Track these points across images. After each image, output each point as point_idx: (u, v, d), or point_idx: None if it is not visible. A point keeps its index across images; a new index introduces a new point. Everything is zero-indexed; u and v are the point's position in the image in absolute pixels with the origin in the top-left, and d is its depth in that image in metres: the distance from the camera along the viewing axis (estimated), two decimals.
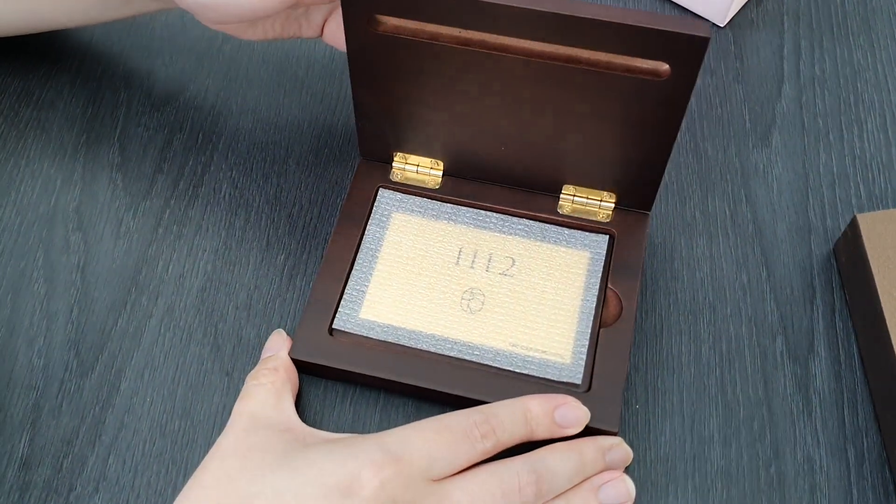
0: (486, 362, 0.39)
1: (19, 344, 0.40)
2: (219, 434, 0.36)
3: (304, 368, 0.39)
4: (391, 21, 0.37)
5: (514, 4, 0.33)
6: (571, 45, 0.35)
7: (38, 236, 0.43)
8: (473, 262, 0.41)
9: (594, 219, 0.42)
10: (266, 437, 0.35)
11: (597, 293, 0.40)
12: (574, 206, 0.42)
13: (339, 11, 0.42)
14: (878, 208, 0.45)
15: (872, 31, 0.52)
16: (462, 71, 0.37)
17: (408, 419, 0.38)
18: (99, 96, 0.48)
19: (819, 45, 0.51)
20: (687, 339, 0.41)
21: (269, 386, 0.37)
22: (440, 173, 0.43)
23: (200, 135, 0.47)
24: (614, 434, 0.37)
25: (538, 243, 0.42)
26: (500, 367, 0.38)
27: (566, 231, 0.42)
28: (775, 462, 0.38)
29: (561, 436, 0.36)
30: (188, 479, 0.34)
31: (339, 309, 0.40)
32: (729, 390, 0.39)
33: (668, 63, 0.34)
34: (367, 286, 0.41)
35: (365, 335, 0.39)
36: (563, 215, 0.42)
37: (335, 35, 0.43)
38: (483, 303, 0.40)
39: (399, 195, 0.43)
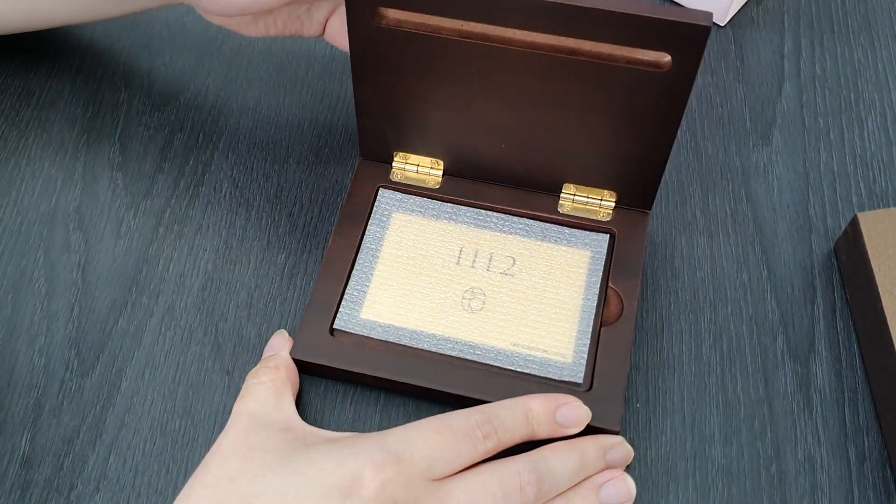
0: (487, 362, 0.39)
1: (20, 343, 0.40)
2: (219, 433, 0.36)
3: (306, 368, 0.39)
4: (394, 14, 0.37)
5: None
6: (573, 36, 0.35)
7: (38, 236, 0.43)
8: (474, 261, 0.41)
9: (595, 218, 0.42)
10: (266, 436, 0.35)
11: (597, 292, 0.40)
12: (574, 205, 0.42)
13: (341, 10, 0.42)
14: (879, 207, 0.45)
15: (873, 29, 0.52)
16: (464, 65, 0.37)
17: (408, 419, 0.38)
18: (99, 96, 0.48)
19: (819, 44, 0.51)
20: (688, 337, 0.41)
21: (270, 385, 0.37)
22: (440, 173, 0.43)
23: (201, 134, 0.47)
24: (615, 433, 0.37)
25: (539, 242, 0.42)
26: (502, 366, 0.38)
27: (567, 230, 0.42)
28: (776, 461, 0.38)
29: (562, 435, 0.36)
30: (189, 478, 0.34)
31: (340, 309, 0.40)
32: (730, 389, 0.39)
33: (669, 53, 0.34)
34: (367, 286, 0.41)
35: (366, 335, 0.39)
36: (563, 214, 0.42)
37: (337, 34, 0.43)
38: (484, 302, 0.40)
39: (399, 195, 0.43)
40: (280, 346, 0.39)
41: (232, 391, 0.39)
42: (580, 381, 0.38)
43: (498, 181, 0.43)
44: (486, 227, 0.42)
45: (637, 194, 0.42)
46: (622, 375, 0.38)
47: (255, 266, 0.43)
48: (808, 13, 0.52)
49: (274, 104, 0.48)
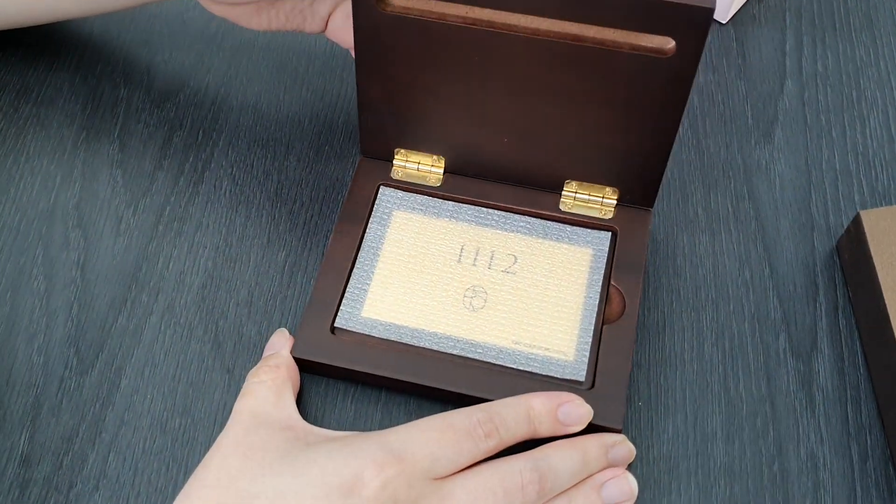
0: (488, 360, 0.38)
1: (19, 341, 0.40)
2: (219, 432, 0.36)
3: (307, 367, 0.39)
4: (399, 1, 0.36)
5: None
6: (577, 21, 0.35)
7: (37, 233, 0.43)
8: (475, 259, 0.41)
9: (596, 216, 0.42)
10: (267, 435, 0.34)
11: (599, 290, 0.40)
12: (576, 202, 0.42)
13: (344, 6, 0.42)
14: (881, 205, 0.45)
15: (875, 27, 0.52)
16: (468, 53, 0.37)
17: (409, 417, 0.38)
18: (99, 93, 0.48)
19: (821, 42, 0.51)
20: (690, 335, 0.41)
21: (270, 383, 0.37)
22: (441, 171, 0.43)
23: (201, 131, 0.47)
24: (617, 431, 0.37)
25: (540, 240, 0.42)
26: (503, 364, 0.38)
27: (568, 228, 0.42)
28: (778, 459, 0.38)
29: (564, 433, 0.36)
30: (189, 476, 0.34)
31: (341, 307, 0.40)
32: (732, 387, 0.39)
33: (672, 37, 0.34)
34: (368, 284, 0.40)
35: (367, 333, 0.39)
36: (565, 212, 0.42)
37: (338, 30, 0.43)
38: (485, 300, 0.40)
39: (400, 193, 0.43)
40: (281, 344, 0.39)
41: (232, 389, 0.39)
42: (582, 379, 0.38)
43: (499, 179, 0.43)
44: (487, 225, 0.42)
45: (639, 191, 0.41)
46: (624, 373, 0.38)
47: (255, 264, 0.43)
48: (810, 10, 0.52)
49: (274, 101, 0.48)
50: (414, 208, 0.43)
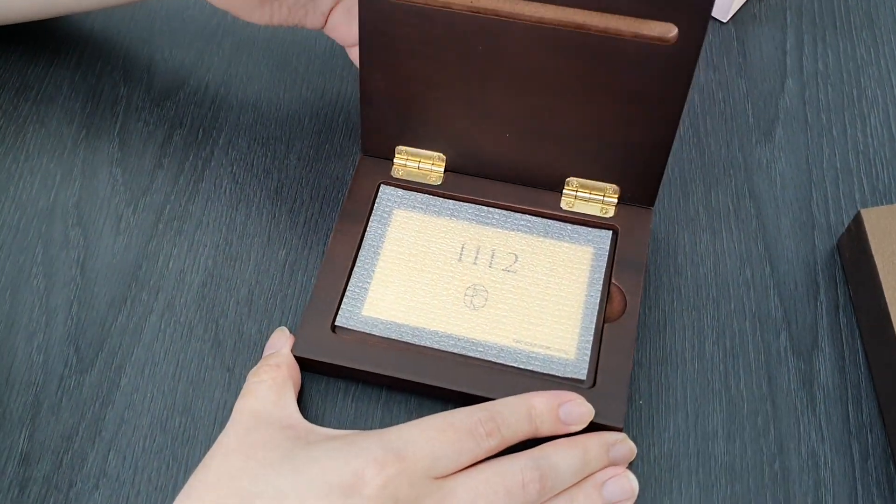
0: (489, 358, 0.38)
1: (19, 340, 0.40)
2: (220, 430, 0.36)
3: (307, 366, 0.39)
4: None
5: None
6: (581, 7, 0.35)
7: (37, 232, 0.43)
8: (476, 258, 0.41)
9: (597, 214, 0.42)
10: (268, 434, 0.34)
11: (600, 289, 0.40)
12: (577, 201, 0.42)
13: (344, 3, 0.42)
14: (882, 203, 0.45)
15: (875, 25, 0.52)
16: (473, 42, 0.37)
17: (410, 416, 0.38)
18: (98, 91, 0.48)
19: (822, 40, 0.51)
20: (690, 334, 0.41)
21: (271, 382, 0.36)
22: (442, 169, 0.43)
23: (201, 130, 0.47)
24: (619, 430, 0.37)
25: (541, 239, 0.42)
26: (504, 363, 0.38)
27: (569, 227, 0.42)
28: (779, 457, 0.38)
29: (565, 432, 0.36)
30: (189, 475, 0.34)
31: (342, 306, 0.40)
32: (733, 386, 0.39)
33: (674, 22, 0.35)
34: (369, 283, 0.40)
35: (368, 332, 0.39)
36: (566, 211, 0.42)
37: (337, 27, 0.43)
38: (486, 299, 0.40)
39: (400, 192, 0.43)
40: (281, 343, 0.39)
41: (232, 388, 0.39)
42: (583, 377, 0.38)
43: (500, 177, 0.43)
44: (488, 224, 0.42)
45: (639, 189, 0.41)
46: (625, 372, 0.38)
47: (255, 262, 0.43)
48: (811, 9, 0.52)
49: (274, 100, 0.48)
50: (414, 207, 0.43)
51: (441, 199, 0.43)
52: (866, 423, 0.38)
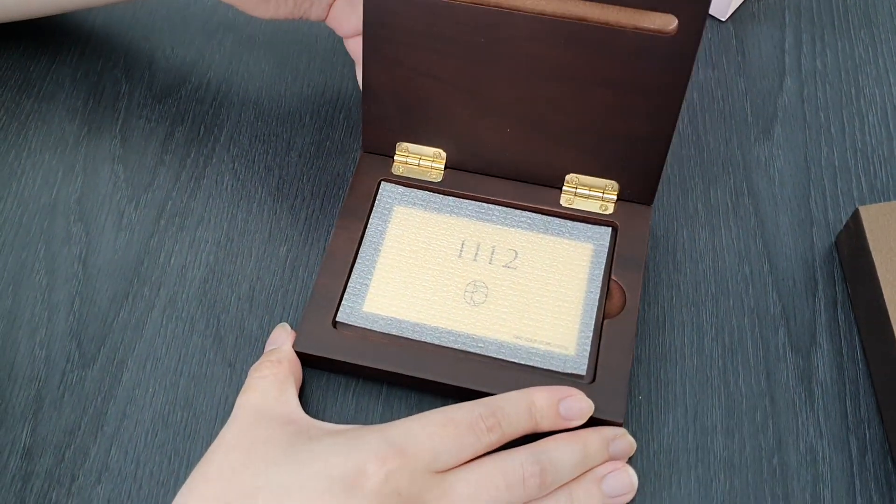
0: (490, 354, 0.39)
1: (21, 335, 0.40)
2: (221, 425, 0.36)
3: (308, 361, 0.39)
4: None
5: None
6: None
7: (39, 228, 0.43)
8: (476, 254, 0.41)
9: (597, 211, 0.42)
10: (270, 429, 0.34)
11: (600, 285, 0.40)
12: (576, 198, 0.42)
13: None
14: (880, 200, 0.45)
15: (873, 24, 0.52)
16: (475, 34, 0.38)
17: (410, 411, 0.38)
18: (100, 88, 0.48)
19: (820, 39, 0.51)
20: (690, 330, 0.41)
21: (272, 378, 0.37)
22: (442, 166, 0.43)
23: (202, 126, 0.47)
24: (618, 425, 0.37)
25: (541, 235, 0.42)
26: (505, 358, 0.38)
27: (569, 223, 0.42)
28: (778, 453, 0.38)
29: (565, 427, 0.36)
30: (191, 470, 0.34)
31: (343, 302, 0.40)
32: (731, 381, 0.40)
33: (674, 14, 0.35)
34: (370, 279, 0.41)
35: (368, 328, 0.39)
36: (565, 208, 0.42)
37: (338, 18, 0.43)
38: (486, 295, 0.40)
39: (401, 188, 0.43)
40: (282, 339, 0.39)
41: (234, 383, 0.39)
42: (583, 373, 0.38)
43: (500, 174, 0.43)
44: (488, 221, 0.42)
45: (639, 185, 0.42)
46: (625, 368, 0.38)
47: (256, 258, 0.43)
48: (809, 8, 0.52)
49: (275, 97, 0.48)
50: (415, 203, 0.43)
51: (441, 195, 0.43)
52: (864, 419, 0.39)
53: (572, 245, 0.42)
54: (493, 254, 0.41)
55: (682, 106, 0.39)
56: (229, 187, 0.45)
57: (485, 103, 0.40)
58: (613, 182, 0.42)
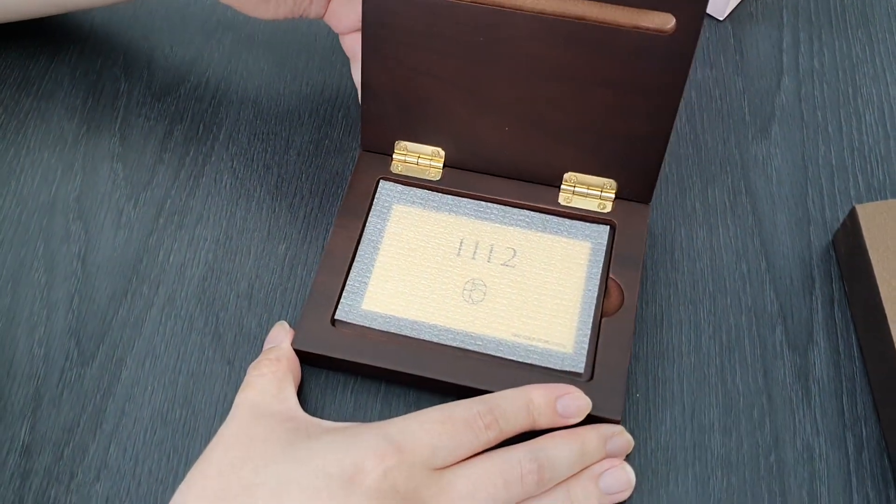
0: (488, 352, 0.39)
1: (20, 333, 0.40)
2: (220, 423, 0.36)
3: (307, 359, 0.39)
4: None
5: None
6: None
7: (38, 226, 0.43)
8: (475, 252, 0.41)
9: (595, 209, 0.42)
10: (268, 427, 0.35)
11: (598, 283, 0.40)
12: (575, 196, 0.43)
13: None
14: (877, 199, 0.45)
15: (871, 24, 0.52)
16: (474, 33, 0.38)
17: (409, 409, 0.38)
18: (99, 86, 0.48)
19: (818, 39, 0.51)
20: (687, 328, 0.41)
21: (271, 376, 0.37)
22: (441, 165, 0.43)
23: (201, 125, 0.47)
24: (616, 423, 0.37)
25: (539, 234, 0.42)
26: (503, 356, 0.39)
27: (567, 222, 0.42)
28: (775, 450, 0.38)
29: (563, 425, 0.36)
30: (189, 467, 0.34)
31: (342, 300, 0.40)
32: (729, 379, 0.40)
33: (672, 13, 0.35)
34: (368, 277, 0.41)
35: (367, 326, 0.39)
36: (563, 206, 0.42)
37: (336, 14, 0.43)
38: (485, 293, 0.40)
39: (400, 187, 0.43)
40: (281, 337, 0.39)
41: (233, 381, 0.39)
42: (581, 371, 0.38)
43: (499, 173, 0.43)
44: (486, 219, 0.42)
45: (637, 183, 0.42)
46: (623, 365, 0.38)
47: (255, 256, 0.43)
48: (807, 8, 0.53)
49: (274, 96, 0.48)
50: (413, 202, 0.43)
51: (440, 194, 0.43)
52: (861, 416, 0.39)
53: (570, 243, 0.42)
54: (491, 252, 0.41)
55: (681, 105, 0.39)
56: (228, 186, 0.45)
57: (484, 102, 0.40)
58: (612, 181, 0.42)
